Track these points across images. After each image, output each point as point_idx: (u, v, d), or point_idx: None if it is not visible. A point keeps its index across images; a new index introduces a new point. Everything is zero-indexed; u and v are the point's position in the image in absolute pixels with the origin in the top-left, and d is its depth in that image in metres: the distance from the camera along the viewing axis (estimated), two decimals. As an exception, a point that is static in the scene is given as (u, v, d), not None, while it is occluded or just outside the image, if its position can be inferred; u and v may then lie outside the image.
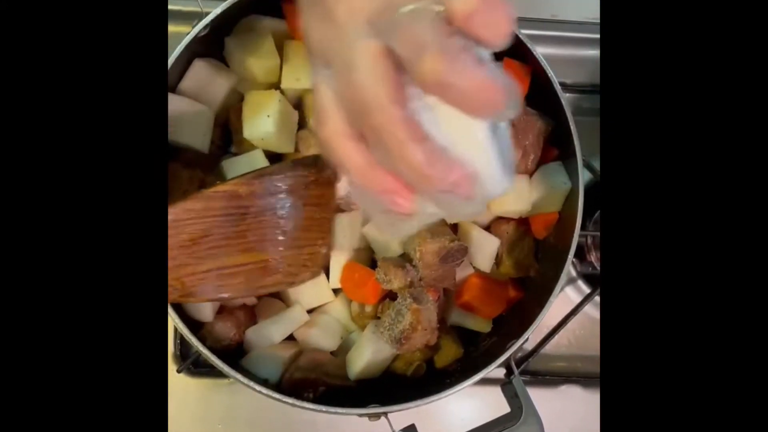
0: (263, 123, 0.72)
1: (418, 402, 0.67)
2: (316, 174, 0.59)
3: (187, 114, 0.72)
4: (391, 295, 0.77)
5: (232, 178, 0.57)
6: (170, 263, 0.53)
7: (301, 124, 0.78)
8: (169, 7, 0.87)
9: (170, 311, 0.66)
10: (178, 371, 0.82)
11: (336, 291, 0.79)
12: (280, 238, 0.57)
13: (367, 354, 0.73)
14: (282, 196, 0.57)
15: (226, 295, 0.58)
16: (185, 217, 0.53)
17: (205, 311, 0.72)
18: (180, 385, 0.85)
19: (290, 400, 0.66)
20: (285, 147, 0.75)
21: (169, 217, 0.53)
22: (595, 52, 0.99)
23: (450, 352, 0.78)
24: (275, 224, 0.57)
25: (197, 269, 0.55)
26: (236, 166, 0.73)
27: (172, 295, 0.56)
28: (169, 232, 0.53)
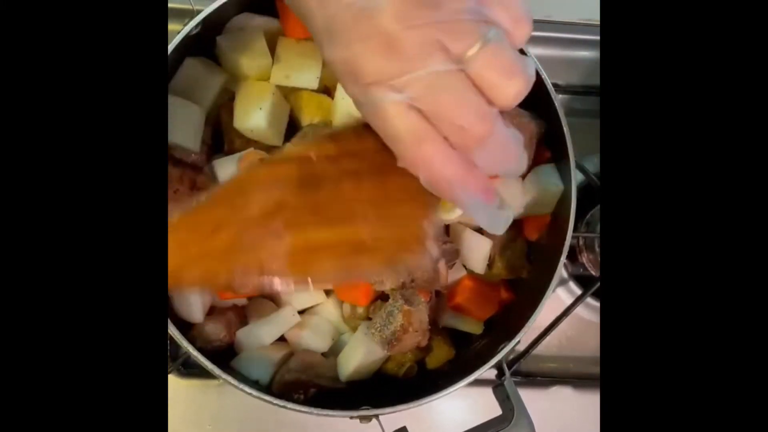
0: (255, 116, 0.71)
1: (410, 404, 0.67)
2: None
3: (178, 113, 0.72)
4: (382, 296, 0.76)
5: (301, 142, 0.50)
6: (244, 243, 0.46)
7: (291, 118, 0.77)
8: (160, 4, 0.86)
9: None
10: (168, 372, 0.81)
11: (327, 292, 0.79)
12: (370, 210, 0.48)
13: (359, 355, 0.73)
14: (362, 159, 0.48)
15: (317, 280, 0.49)
16: (255, 186, 0.46)
17: (196, 312, 0.71)
18: (169, 386, 0.84)
19: (281, 402, 0.66)
20: (274, 140, 0.75)
21: (236, 186, 0.47)
22: (587, 54, 0.99)
23: (441, 354, 0.77)
24: (360, 194, 0.48)
25: (277, 249, 0.46)
26: (227, 165, 0.73)
27: (255, 280, 0.46)
28: (233, 204, 0.46)
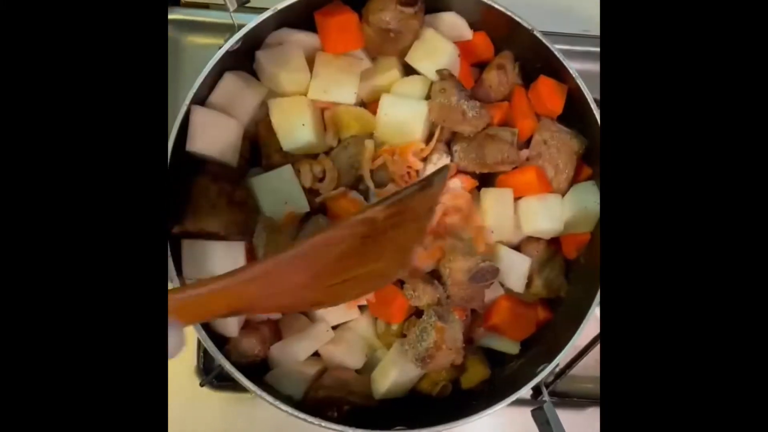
0: (301, 133, 0.71)
1: (446, 425, 0.65)
2: (432, 190, 0.67)
3: (216, 126, 0.72)
4: (417, 313, 0.75)
5: (372, 205, 0.63)
6: (320, 280, 0.61)
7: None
8: (202, 19, 0.87)
9: (198, 326, 0.66)
10: (201, 385, 0.81)
11: (361, 307, 0.78)
12: (393, 248, 0.65)
13: (393, 374, 0.72)
14: (405, 215, 0.64)
15: (355, 299, 0.70)
16: (334, 241, 0.60)
17: (231, 327, 0.71)
18: (203, 399, 0.84)
19: (315, 420, 0.65)
20: (321, 148, 0.75)
21: (322, 242, 0.60)
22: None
23: (477, 373, 0.76)
24: (394, 239, 0.64)
25: (335, 280, 0.62)
26: (266, 183, 0.73)
27: (323, 305, 0.66)
28: (322, 252, 0.60)
